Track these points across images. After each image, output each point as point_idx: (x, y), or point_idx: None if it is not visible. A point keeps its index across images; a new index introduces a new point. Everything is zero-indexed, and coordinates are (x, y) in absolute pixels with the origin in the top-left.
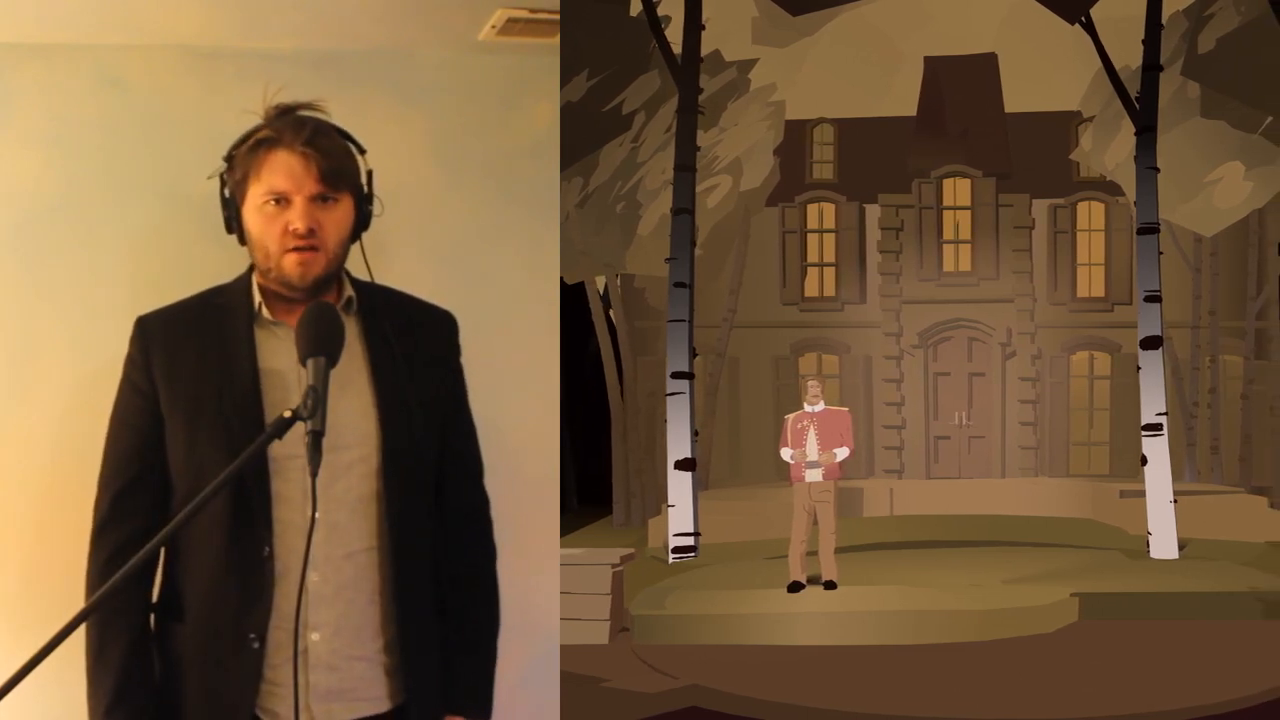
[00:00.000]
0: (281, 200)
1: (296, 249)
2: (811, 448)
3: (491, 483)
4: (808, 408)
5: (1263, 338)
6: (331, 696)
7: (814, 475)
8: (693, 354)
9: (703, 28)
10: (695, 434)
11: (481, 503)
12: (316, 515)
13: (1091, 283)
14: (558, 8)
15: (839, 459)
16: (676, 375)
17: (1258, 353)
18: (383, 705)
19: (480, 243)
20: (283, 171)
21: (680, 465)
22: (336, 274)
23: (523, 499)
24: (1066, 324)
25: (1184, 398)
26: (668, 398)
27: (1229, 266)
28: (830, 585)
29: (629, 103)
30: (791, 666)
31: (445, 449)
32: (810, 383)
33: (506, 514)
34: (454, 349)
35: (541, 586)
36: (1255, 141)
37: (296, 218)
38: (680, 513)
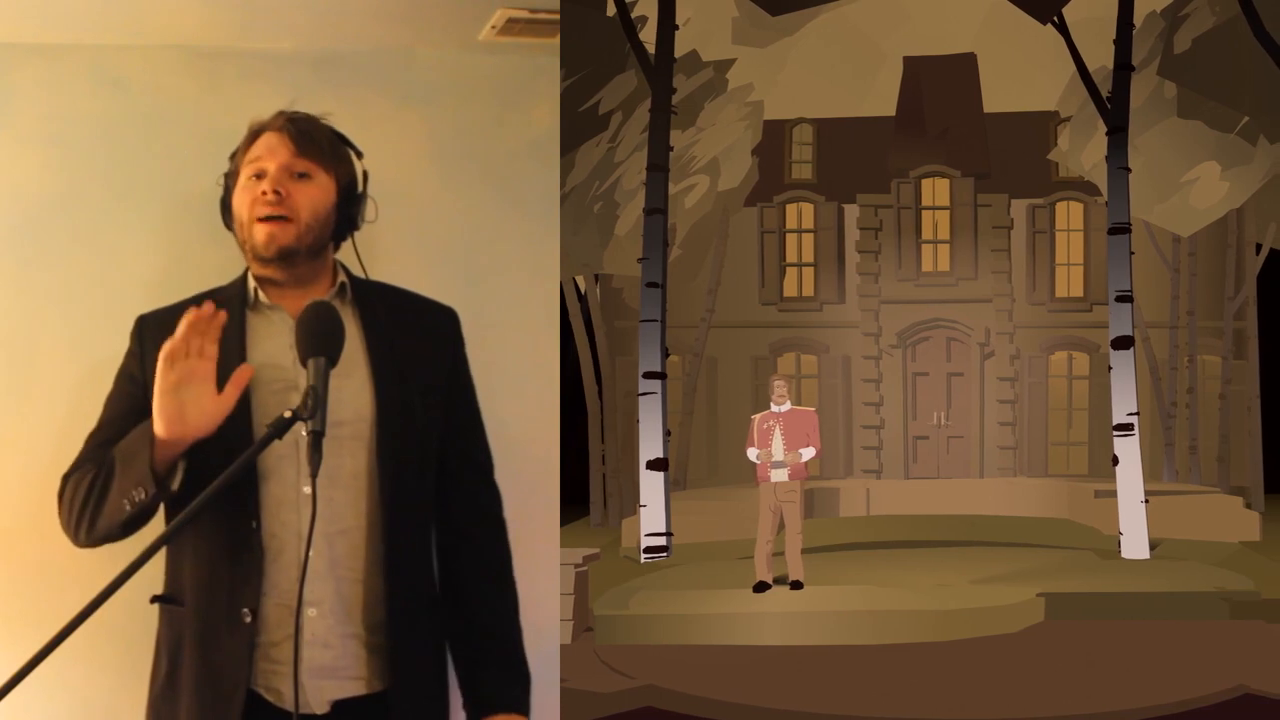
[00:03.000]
0: (261, 175)
1: (266, 218)
2: (777, 447)
3: None
4: (774, 407)
5: (1241, 338)
6: (324, 674)
7: (779, 475)
8: (665, 354)
9: (677, 27)
10: (668, 434)
11: (494, 503)
12: (308, 491)
13: (1070, 283)
14: (558, 8)
15: (804, 459)
16: (648, 375)
17: (1236, 353)
18: (370, 686)
19: (479, 243)
20: (262, 145)
21: (652, 465)
22: (309, 252)
23: (523, 501)
24: (1045, 324)
25: (1162, 398)
26: (640, 398)
27: (1207, 266)
28: (797, 585)
29: (606, 102)
30: (753, 667)
31: (452, 443)
32: (776, 382)
33: (507, 515)
34: (455, 339)
35: (542, 587)
36: (1232, 141)
37: (267, 183)
38: (652, 513)
